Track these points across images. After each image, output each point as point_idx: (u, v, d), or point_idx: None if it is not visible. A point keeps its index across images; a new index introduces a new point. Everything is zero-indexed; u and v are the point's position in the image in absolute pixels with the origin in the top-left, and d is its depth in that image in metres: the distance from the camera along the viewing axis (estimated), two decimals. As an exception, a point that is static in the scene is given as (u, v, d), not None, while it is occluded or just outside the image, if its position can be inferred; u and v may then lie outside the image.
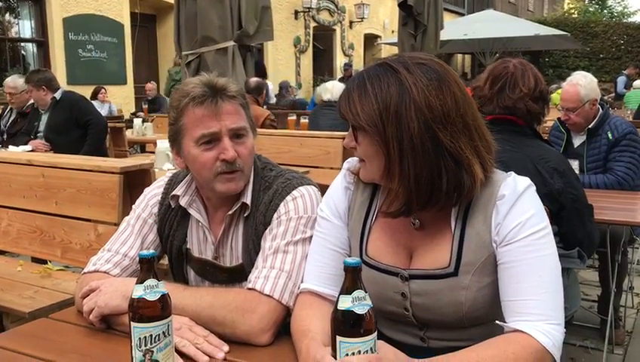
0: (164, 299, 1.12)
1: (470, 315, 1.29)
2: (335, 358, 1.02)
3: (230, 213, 1.56)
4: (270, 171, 1.61)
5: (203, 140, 1.48)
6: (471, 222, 1.28)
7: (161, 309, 1.11)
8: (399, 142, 1.21)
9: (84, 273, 1.57)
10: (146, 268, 1.12)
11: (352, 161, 1.46)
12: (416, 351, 1.35)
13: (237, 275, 1.59)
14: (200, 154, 1.49)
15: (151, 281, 1.11)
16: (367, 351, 1.02)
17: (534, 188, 1.30)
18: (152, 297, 1.10)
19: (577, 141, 3.55)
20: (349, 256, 1.41)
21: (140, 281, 1.11)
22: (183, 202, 1.59)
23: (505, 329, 1.21)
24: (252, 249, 1.55)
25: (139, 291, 1.10)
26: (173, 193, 1.60)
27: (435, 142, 1.21)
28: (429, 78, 1.23)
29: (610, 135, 3.40)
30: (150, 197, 1.67)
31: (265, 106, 6.96)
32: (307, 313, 1.32)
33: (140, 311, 1.10)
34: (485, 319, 1.30)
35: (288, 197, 1.52)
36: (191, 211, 1.60)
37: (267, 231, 1.51)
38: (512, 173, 1.31)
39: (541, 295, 1.20)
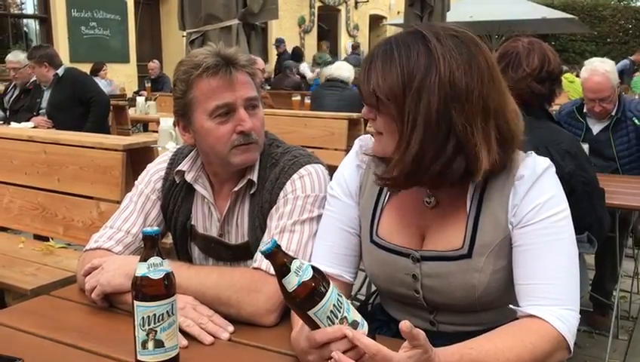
0: (169, 277, 1.09)
1: (482, 299, 1.25)
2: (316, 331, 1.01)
3: (236, 189, 1.52)
4: (277, 148, 1.57)
5: (218, 112, 1.44)
6: (487, 202, 1.24)
7: (165, 288, 1.08)
8: (414, 118, 1.15)
9: (86, 250, 1.55)
10: (149, 245, 1.09)
11: (364, 139, 1.41)
12: (425, 334, 1.33)
13: (242, 253, 1.56)
14: (215, 127, 1.45)
15: (155, 259, 1.08)
16: (337, 302, 1.00)
17: (554, 169, 1.25)
18: (156, 275, 1.07)
19: (597, 127, 3.49)
20: (359, 236, 1.37)
21: (144, 259, 1.08)
22: (188, 178, 1.56)
23: (518, 313, 1.17)
24: (258, 227, 1.51)
25: (142, 269, 1.07)
26: (178, 168, 1.57)
27: (448, 123, 1.14)
28: (460, 53, 1.15)
29: (636, 121, 3.35)
30: (153, 173, 1.64)
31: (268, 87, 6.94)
32: None
33: (144, 289, 1.07)
34: (497, 304, 1.27)
35: (295, 176, 1.48)
36: (197, 187, 1.56)
37: (273, 209, 1.48)
38: (532, 152, 1.27)
39: (557, 279, 1.16)
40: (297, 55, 12.39)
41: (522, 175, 1.22)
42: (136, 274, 1.08)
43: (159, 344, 1.07)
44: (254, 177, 1.51)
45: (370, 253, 1.35)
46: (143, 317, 1.06)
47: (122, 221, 1.57)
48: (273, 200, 1.49)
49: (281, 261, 1.01)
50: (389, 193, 1.36)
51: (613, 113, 3.41)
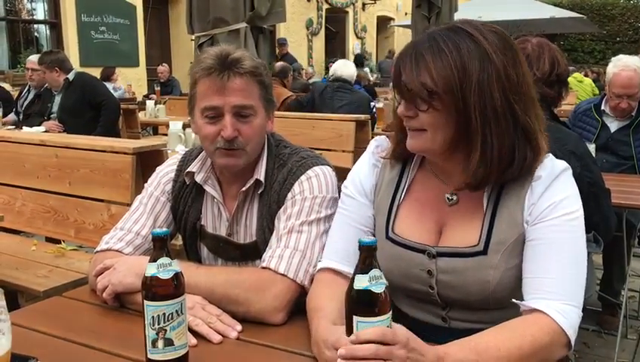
0: (178, 277, 1.11)
1: (495, 296, 1.27)
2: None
3: (244, 189, 1.55)
4: (285, 148, 1.60)
5: (206, 113, 1.48)
6: (504, 201, 1.27)
7: (175, 287, 1.10)
8: (482, 112, 1.17)
9: (97, 252, 1.58)
10: (159, 246, 1.11)
11: (380, 140, 1.44)
12: (436, 330, 1.35)
13: (250, 252, 1.59)
14: (204, 126, 1.49)
15: (164, 259, 1.10)
16: None
17: (571, 171, 1.28)
18: (166, 275, 1.09)
19: (615, 125, 3.48)
20: (373, 235, 1.39)
21: (153, 260, 1.10)
22: (198, 178, 1.59)
23: (521, 307, 1.19)
24: (266, 227, 1.54)
25: (152, 269, 1.10)
26: (188, 170, 1.60)
27: (512, 114, 1.19)
28: (504, 47, 1.20)
29: None
30: (162, 175, 1.67)
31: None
32: (322, 291, 1.31)
33: (154, 289, 1.09)
34: (509, 301, 1.27)
35: (303, 177, 1.51)
36: (206, 187, 1.59)
37: (281, 210, 1.50)
38: (550, 154, 1.29)
39: (563, 275, 1.18)
40: (360, 60, 13.56)
41: (540, 175, 1.25)
42: (146, 274, 1.10)
43: (169, 342, 1.09)
44: (261, 177, 1.54)
45: (385, 250, 1.36)
46: (152, 317, 1.09)
47: (132, 223, 1.60)
48: (281, 201, 1.51)
49: (369, 259, 1.02)
50: (406, 190, 1.38)
51: (633, 113, 3.40)
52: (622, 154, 3.43)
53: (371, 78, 10.25)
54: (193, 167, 1.60)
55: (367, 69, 12.79)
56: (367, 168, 1.42)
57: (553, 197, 1.23)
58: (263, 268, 1.40)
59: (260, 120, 1.51)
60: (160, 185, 1.65)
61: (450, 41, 1.19)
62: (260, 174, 1.54)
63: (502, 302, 1.29)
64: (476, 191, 1.28)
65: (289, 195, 1.50)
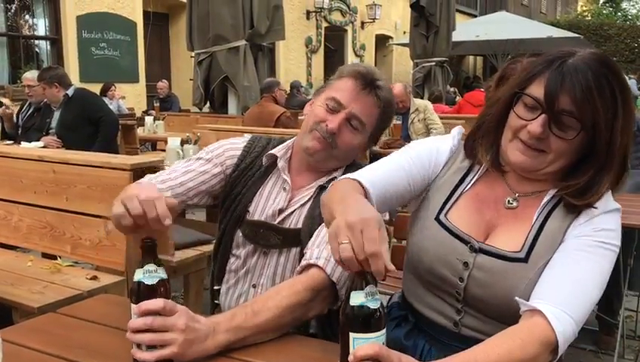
0: (163, 283, 1.12)
1: (518, 306, 1.25)
2: (346, 356, 1.01)
3: (321, 183, 1.63)
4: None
5: (328, 102, 1.60)
6: (554, 218, 1.30)
7: (160, 294, 1.11)
8: (622, 144, 1.24)
9: (137, 182, 1.57)
10: (147, 252, 1.13)
11: (461, 130, 1.50)
12: (446, 333, 1.36)
13: (291, 239, 1.62)
14: (319, 108, 1.62)
15: (150, 266, 1.11)
16: None
17: (620, 213, 1.31)
18: (151, 281, 1.10)
19: None
20: (408, 189, 1.40)
21: (141, 265, 1.12)
22: (280, 164, 1.66)
23: (522, 307, 1.19)
24: (317, 215, 1.58)
25: (138, 275, 1.11)
26: (272, 152, 1.67)
27: (623, 160, 1.28)
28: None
29: None
30: (227, 149, 1.70)
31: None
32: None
33: (140, 294, 1.11)
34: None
35: None
36: (283, 175, 1.65)
37: None
38: (610, 190, 1.31)
39: (574, 289, 1.19)
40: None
41: (595, 206, 1.28)
42: (133, 280, 1.12)
43: (154, 346, 1.12)
44: (339, 175, 1.62)
45: (430, 229, 1.37)
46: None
47: (181, 173, 1.62)
48: None
49: (364, 275, 1.01)
50: (472, 182, 1.40)
51: None
52: None
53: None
54: (278, 152, 1.67)
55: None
56: (447, 146, 1.46)
57: (600, 224, 1.25)
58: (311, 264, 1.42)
59: (360, 140, 1.63)
60: (222, 156, 1.68)
61: (605, 80, 1.22)
62: (339, 173, 1.65)
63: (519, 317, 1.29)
64: (533, 202, 1.33)
65: None
